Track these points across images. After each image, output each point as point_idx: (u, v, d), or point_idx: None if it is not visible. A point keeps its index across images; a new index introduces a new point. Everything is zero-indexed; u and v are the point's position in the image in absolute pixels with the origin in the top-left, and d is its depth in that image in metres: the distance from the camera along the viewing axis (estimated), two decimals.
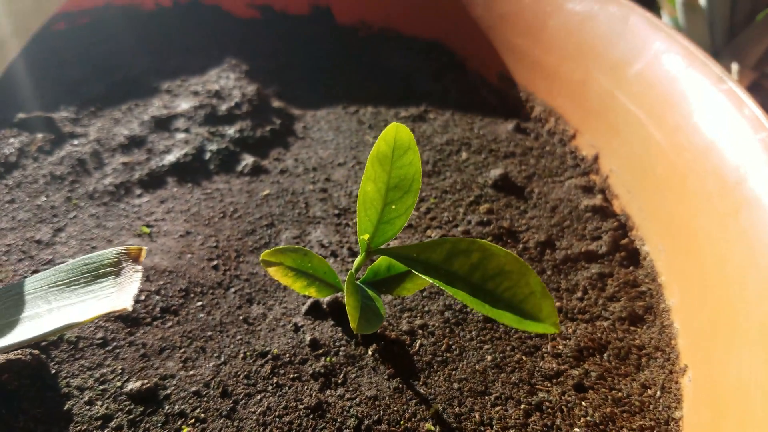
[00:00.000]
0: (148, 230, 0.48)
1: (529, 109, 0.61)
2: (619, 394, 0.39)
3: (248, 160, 0.55)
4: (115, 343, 0.41)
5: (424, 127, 0.60)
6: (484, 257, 0.31)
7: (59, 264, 0.46)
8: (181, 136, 0.56)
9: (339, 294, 0.42)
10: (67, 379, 0.39)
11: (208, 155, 0.55)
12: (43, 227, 0.48)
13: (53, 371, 0.40)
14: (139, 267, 0.33)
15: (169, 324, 0.42)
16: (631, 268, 0.47)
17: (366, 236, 0.34)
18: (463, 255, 0.32)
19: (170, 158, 0.54)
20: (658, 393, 0.38)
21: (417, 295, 0.44)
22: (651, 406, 0.38)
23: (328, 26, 0.72)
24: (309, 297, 0.44)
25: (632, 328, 0.43)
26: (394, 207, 0.35)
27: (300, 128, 0.60)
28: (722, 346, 0.35)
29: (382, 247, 0.35)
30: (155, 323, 0.42)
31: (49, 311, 0.33)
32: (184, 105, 0.59)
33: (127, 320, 0.42)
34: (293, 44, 0.71)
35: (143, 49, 0.67)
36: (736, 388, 0.32)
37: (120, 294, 0.31)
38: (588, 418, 0.37)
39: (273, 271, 0.38)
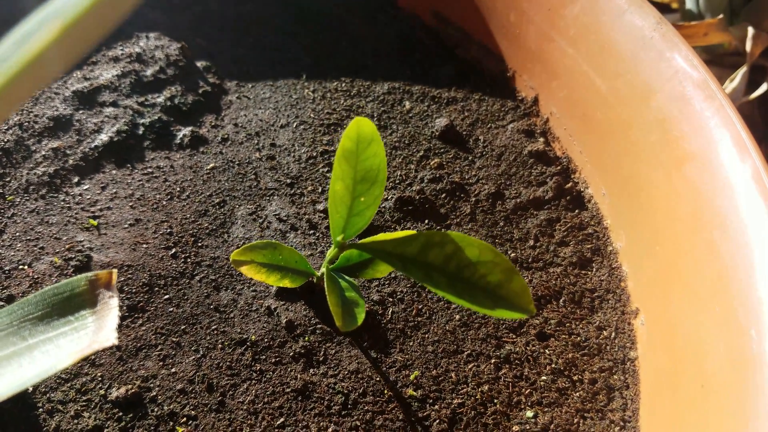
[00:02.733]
0: (95, 222, 0.46)
1: (466, 49, 0.61)
2: (578, 338, 0.43)
3: (185, 130, 0.52)
4: None
5: (364, 76, 0.59)
6: (457, 248, 0.33)
7: (8, 270, 0.43)
8: (109, 110, 0.52)
9: (309, 278, 0.43)
10: (47, 395, 0.39)
11: (141, 130, 0.52)
12: None
13: (30, 389, 0.39)
14: (114, 294, 0.32)
15: (140, 322, 0.42)
16: (576, 211, 0.50)
17: (340, 237, 0.35)
18: (437, 246, 0.33)
19: (103, 138, 0.51)
20: (613, 334, 0.42)
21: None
22: (608, 348, 0.42)
23: None
24: None
25: (582, 272, 0.46)
26: (362, 199, 0.35)
27: (233, 87, 0.57)
28: (671, 291, 0.39)
29: (357, 241, 0.35)
30: (125, 323, 0.42)
31: (28, 348, 0.32)
32: (105, 74, 0.54)
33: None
34: None
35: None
36: (689, 334, 0.36)
37: (101, 327, 0.31)
38: (553, 365, 0.41)
39: (245, 270, 0.38)
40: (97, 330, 0.31)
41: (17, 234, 0.46)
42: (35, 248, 0.45)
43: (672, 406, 0.36)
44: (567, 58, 0.51)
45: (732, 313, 0.33)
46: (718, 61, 0.73)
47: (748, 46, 0.65)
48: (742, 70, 0.65)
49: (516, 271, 0.32)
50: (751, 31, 0.66)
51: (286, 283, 0.39)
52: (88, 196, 0.48)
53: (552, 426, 0.39)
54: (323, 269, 0.39)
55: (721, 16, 0.66)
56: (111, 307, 0.32)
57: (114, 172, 0.50)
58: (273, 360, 0.41)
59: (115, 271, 0.33)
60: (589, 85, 0.49)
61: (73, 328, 0.32)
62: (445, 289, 0.32)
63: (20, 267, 0.44)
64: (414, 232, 0.34)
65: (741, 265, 0.33)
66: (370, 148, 0.34)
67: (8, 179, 0.48)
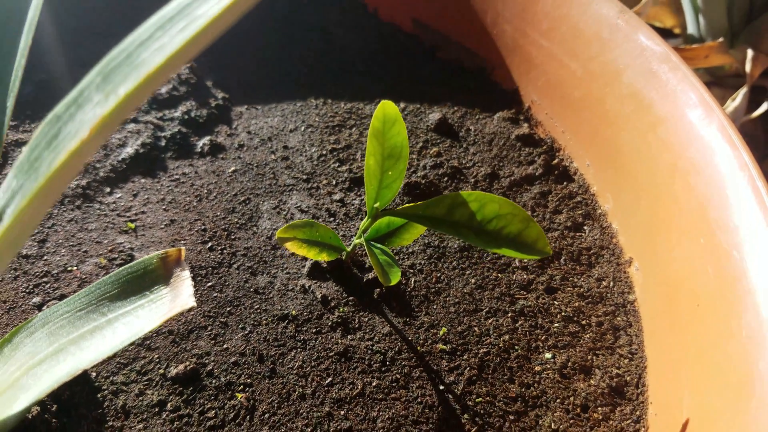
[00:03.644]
0: (133, 225, 0.50)
1: (446, 51, 0.67)
2: (581, 289, 0.48)
3: (204, 140, 0.57)
4: (142, 336, 0.44)
5: (358, 81, 0.65)
6: (481, 205, 0.38)
7: (55, 274, 0.47)
8: (130, 126, 0.57)
9: (340, 254, 0.48)
10: (110, 378, 0.42)
11: (163, 142, 0.56)
12: (25, 241, 0.49)
13: (93, 374, 0.43)
14: (185, 267, 0.36)
15: (188, 308, 0.46)
16: (565, 183, 0.56)
17: (376, 204, 0.40)
18: (462, 205, 0.38)
19: (128, 151, 0.55)
20: (612, 283, 0.48)
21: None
22: (609, 294, 0.48)
23: None
24: (307, 260, 0.49)
25: (578, 234, 0.52)
26: (390, 173, 0.40)
27: (241, 100, 0.62)
28: (659, 236, 0.45)
29: (389, 208, 0.40)
30: None
31: (108, 322, 0.35)
32: None
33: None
34: None
35: (51, 40, 0.65)
36: (681, 267, 0.42)
37: (177, 295, 0.35)
38: (563, 314, 0.47)
39: (289, 245, 0.42)
40: (174, 298, 0.35)
41: (60, 241, 0.49)
42: (79, 252, 0.48)
43: (672, 330, 0.41)
44: (542, 49, 0.58)
45: (715, 240, 0.39)
46: (720, 83, 0.78)
47: (748, 68, 0.68)
48: (743, 91, 0.69)
49: (532, 220, 0.37)
50: (750, 53, 0.69)
51: (324, 257, 0.44)
52: (122, 203, 0.52)
53: (569, 363, 0.44)
54: (356, 240, 0.44)
55: (721, 39, 0.72)
56: (184, 278, 0.36)
57: (143, 180, 0.54)
58: (314, 330, 0.45)
59: (183, 248, 0.37)
60: (564, 71, 0.56)
61: (149, 300, 0.35)
62: (473, 240, 0.38)
63: (68, 269, 0.47)
64: (441, 196, 0.39)
65: (717, 199, 0.40)
66: (394, 127, 0.39)
67: None
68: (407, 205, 0.39)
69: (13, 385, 0.35)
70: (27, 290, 0.46)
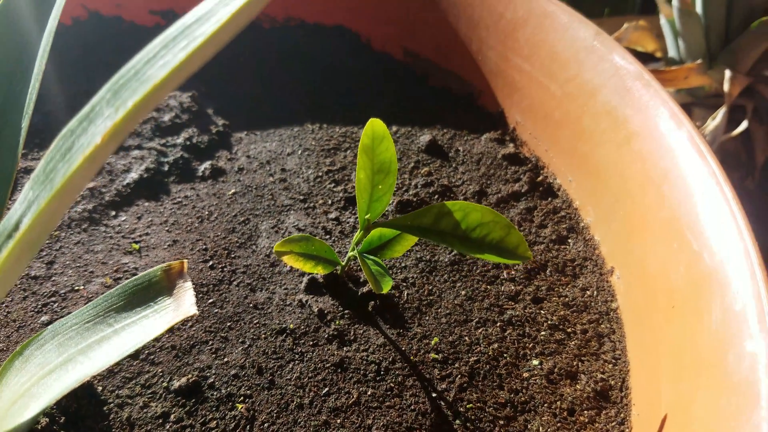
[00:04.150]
0: (137, 246, 0.53)
1: (436, 78, 0.70)
2: (567, 299, 0.50)
3: (205, 164, 0.60)
4: (146, 351, 0.46)
5: (351, 107, 0.68)
6: (465, 214, 0.40)
7: (63, 293, 0.49)
8: (135, 153, 0.59)
9: (335, 269, 0.50)
10: (115, 392, 0.44)
11: (166, 167, 0.59)
12: (34, 263, 0.51)
13: (99, 389, 0.44)
14: (187, 279, 0.38)
15: (189, 324, 0.48)
16: (549, 199, 0.58)
17: (367, 216, 0.42)
18: (448, 215, 0.41)
19: (133, 176, 0.57)
20: (595, 292, 0.50)
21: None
22: (592, 303, 0.50)
23: None
24: (304, 276, 0.51)
25: (562, 246, 0.54)
26: (380, 187, 0.43)
27: (241, 126, 0.65)
28: (637, 244, 0.47)
29: (380, 220, 0.43)
30: (176, 326, 0.48)
31: (115, 332, 0.37)
32: None
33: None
34: None
35: (62, 71, 0.68)
36: (657, 272, 0.44)
37: (180, 305, 0.37)
38: (549, 322, 0.49)
39: (286, 258, 0.45)
40: (177, 307, 0.37)
41: (67, 262, 0.51)
42: (85, 272, 0.51)
43: (652, 332, 0.43)
44: (524, 73, 0.61)
45: (687, 243, 0.41)
46: (701, 103, 0.80)
47: (726, 87, 0.71)
48: (722, 110, 0.72)
49: (513, 227, 0.40)
50: (728, 73, 0.72)
51: (320, 270, 0.46)
52: (127, 226, 0.54)
53: (556, 369, 0.46)
54: (350, 253, 0.46)
55: (699, 61, 0.75)
56: (186, 289, 0.38)
57: (147, 204, 0.56)
58: (311, 343, 0.47)
59: (185, 261, 0.39)
60: (545, 92, 0.59)
61: (154, 310, 0.38)
62: (459, 247, 0.40)
63: (75, 288, 0.49)
64: (427, 206, 0.41)
65: (687, 206, 0.42)
66: (382, 144, 0.42)
67: None
68: (394, 218, 0.41)
69: (24, 394, 0.37)
70: (36, 309, 0.48)
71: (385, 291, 0.41)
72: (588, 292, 0.50)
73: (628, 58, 0.52)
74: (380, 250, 0.46)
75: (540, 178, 0.59)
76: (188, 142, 0.61)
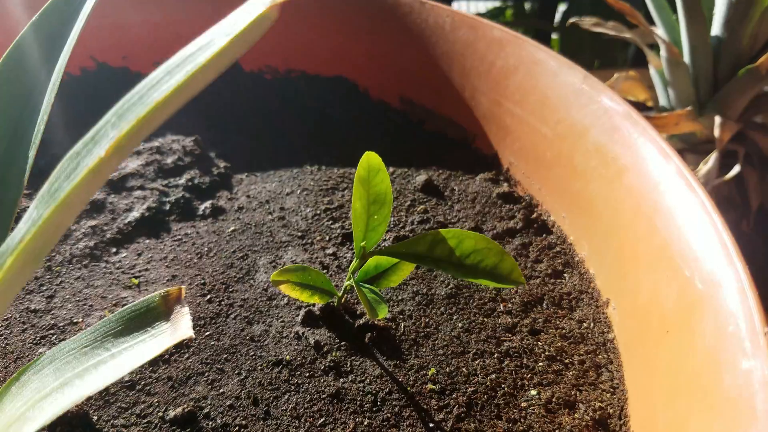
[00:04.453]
0: (137, 281, 0.53)
1: (431, 123, 0.72)
2: (564, 331, 0.51)
3: (206, 203, 0.61)
4: (143, 382, 0.46)
5: (350, 151, 0.70)
6: (459, 241, 0.41)
7: (62, 326, 0.49)
8: (137, 193, 0.61)
9: (331, 300, 0.50)
10: (111, 422, 0.44)
11: (167, 206, 0.60)
12: (34, 297, 0.51)
13: (95, 418, 0.44)
14: (184, 304, 0.39)
15: (186, 356, 0.48)
16: (544, 235, 0.59)
17: (363, 243, 0.43)
18: (442, 242, 0.42)
19: (134, 214, 0.58)
20: (592, 324, 0.50)
21: (389, 289, 0.53)
22: (589, 335, 0.50)
23: (236, 73, 0.79)
24: (301, 309, 0.51)
25: (558, 280, 0.55)
26: (376, 217, 0.44)
27: (242, 168, 0.67)
28: (631, 275, 0.48)
29: (376, 249, 0.44)
30: (173, 358, 0.48)
31: (112, 356, 0.38)
32: (131, 165, 0.63)
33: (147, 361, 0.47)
34: (209, 94, 0.77)
35: (69, 118, 0.70)
36: (650, 300, 0.44)
37: (177, 329, 0.37)
38: (546, 353, 0.49)
39: (283, 288, 0.45)
40: (174, 331, 0.37)
41: (66, 297, 0.52)
42: (85, 306, 0.51)
43: (648, 359, 0.43)
44: (515, 117, 0.63)
45: (679, 271, 0.42)
46: (694, 149, 0.82)
47: (717, 133, 0.73)
48: (714, 155, 0.73)
49: (506, 253, 0.41)
50: (718, 119, 0.74)
51: (316, 299, 0.47)
52: (127, 262, 0.55)
53: (554, 399, 0.46)
54: (346, 282, 0.47)
55: (689, 108, 0.78)
56: (183, 314, 0.38)
57: (147, 241, 0.57)
58: (307, 374, 0.47)
59: (183, 287, 0.39)
60: (537, 135, 0.61)
61: (151, 335, 0.38)
62: (454, 273, 0.41)
63: (74, 321, 0.50)
64: (422, 234, 0.42)
65: (678, 235, 0.43)
66: (378, 176, 0.43)
67: (53, 254, 0.55)
68: (391, 246, 0.42)
69: (19, 418, 0.37)
70: (34, 341, 0.48)
71: (380, 317, 0.41)
72: (585, 324, 0.51)
73: (616, 99, 0.54)
74: (376, 280, 0.46)
75: (534, 215, 0.60)
76: (190, 183, 0.63)
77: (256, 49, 0.77)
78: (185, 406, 0.44)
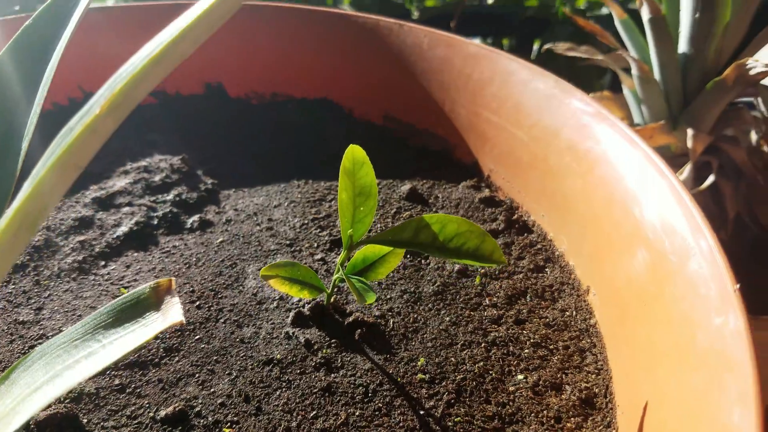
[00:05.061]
0: (125, 291, 0.54)
1: (413, 137, 0.75)
2: (547, 320, 0.52)
3: (194, 217, 0.62)
4: (133, 385, 0.46)
5: (337, 165, 0.71)
6: (443, 226, 0.43)
7: (50, 336, 0.49)
8: (125, 209, 0.62)
9: (320, 298, 0.51)
10: (101, 424, 0.43)
11: (156, 221, 0.61)
12: (22, 310, 0.52)
13: (84, 421, 0.44)
14: (175, 295, 0.39)
15: (176, 359, 0.48)
16: (525, 234, 0.61)
17: (350, 231, 0.44)
18: (426, 228, 0.43)
19: (123, 229, 0.59)
20: (574, 312, 0.52)
21: (377, 288, 0.54)
22: (572, 322, 0.51)
23: (222, 100, 0.82)
24: (290, 311, 0.52)
25: (540, 274, 0.56)
26: (362, 209, 0.45)
27: (230, 184, 0.68)
28: (608, 260, 0.49)
29: (363, 238, 0.45)
30: (163, 362, 0.48)
31: (103, 347, 0.38)
32: (119, 183, 0.64)
33: (136, 365, 0.47)
34: (196, 120, 0.79)
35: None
36: (628, 279, 0.46)
37: (167, 317, 0.38)
38: (531, 341, 0.50)
39: (272, 282, 0.46)
40: (164, 319, 0.38)
41: (56, 308, 0.52)
42: (74, 316, 0.51)
43: (628, 336, 0.45)
44: (492, 124, 0.66)
45: (652, 248, 0.43)
46: (669, 162, 0.81)
47: (690, 144, 0.76)
48: (688, 166, 0.76)
49: (487, 235, 0.42)
50: (690, 132, 0.77)
51: (305, 294, 0.47)
52: (116, 274, 0.56)
53: (541, 382, 0.46)
54: (335, 275, 0.48)
55: (662, 121, 0.81)
56: (174, 303, 0.39)
57: (136, 254, 0.58)
58: (298, 371, 0.48)
59: (173, 278, 0.40)
60: (513, 140, 0.63)
61: (142, 324, 0.38)
62: (439, 255, 0.42)
63: (63, 331, 0.50)
64: (406, 221, 0.44)
65: (650, 214, 0.45)
66: (362, 168, 0.45)
67: (41, 269, 0.56)
68: (377, 234, 0.44)
69: (9, 414, 0.37)
70: (23, 351, 0.48)
71: (369, 302, 0.42)
72: (567, 313, 0.52)
73: (585, 99, 0.57)
74: (364, 273, 0.48)
75: (515, 216, 0.62)
76: (177, 198, 0.64)
77: (240, 76, 0.80)
78: (176, 405, 0.44)
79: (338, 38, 0.78)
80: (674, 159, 0.84)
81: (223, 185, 0.68)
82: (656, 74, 0.82)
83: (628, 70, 0.86)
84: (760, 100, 0.80)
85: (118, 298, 0.40)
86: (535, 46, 1.57)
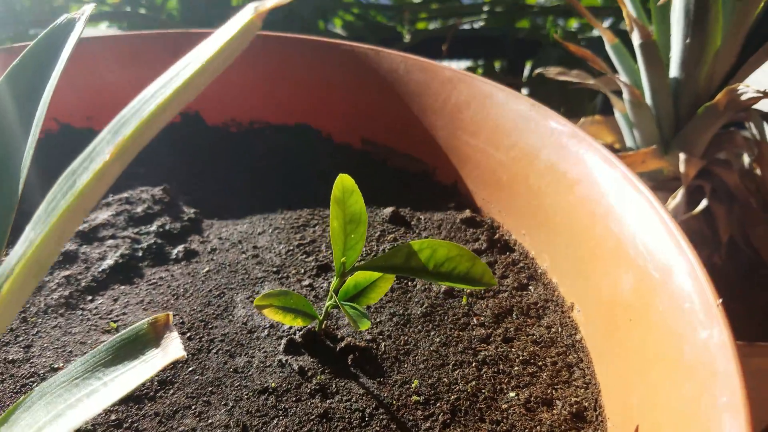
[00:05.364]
0: (115, 325, 0.53)
1: (392, 160, 0.76)
2: (534, 337, 0.53)
3: (178, 248, 0.62)
4: (130, 420, 0.46)
5: (318, 190, 0.72)
6: (433, 251, 0.44)
7: (42, 374, 0.49)
8: (109, 242, 0.61)
9: (311, 325, 0.52)
10: None
11: (140, 252, 0.61)
12: (11, 348, 0.51)
13: None
14: (173, 329, 0.40)
15: (171, 392, 0.48)
16: (507, 253, 0.62)
17: (342, 259, 0.45)
18: (417, 253, 0.44)
19: (108, 262, 0.59)
20: (560, 328, 0.53)
21: (368, 311, 0.55)
22: (558, 338, 0.53)
23: (200, 128, 0.82)
24: (282, 339, 0.52)
25: (524, 292, 0.58)
26: (353, 236, 0.46)
27: (212, 213, 0.68)
28: (591, 277, 0.51)
29: (357, 265, 0.46)
30: (158, 395, 0.48)
31: (104, 385, 0.38)
32: (101, 216, 0.64)
33: (132, 399, 0.47)
34: (174, 150, 0.79)
35: (33, 180, 0.71)
36: (611, 295, 0.47)
37: (167, 352, 0.38)
38: (520, 359, 0.51)
39: (266, 312, 0.47)
40: (165, 354, 0.38)
41: (45, 345, 0.52)
42: (64, 353, 0.51)
43: (614, 350, 0.46)
44: (471, 146, 0.67)
45: (634, 264, 0.45)
46: (662, 186, 0.84)
47: (682, 169, 0.76)
48: (681, 191, 0.76)
49: (477, 258, 0.43)
50: (682, 156, 0.77)
51: (298, 322, 0.48)
52: (104, 308, 0.55)
53: (532, 398, 0.48)
54: (328, 302, 0.48)
55: (654, 146, 0.81)
56: (173, 338, 0.39)
57: (122, 287, 0.58)
58: (294, 398, 0.48)
59: (171, 313, 0.40)
60: (492, 161, 0.65)
61: (143, 360, 0.38)
62: (430, 279, 0.43)
63: (54, 368, 0.49)
64: (397, 246, 0.45)
65: (630, 232, 0.47)
66: (352, 196, 0.46)
67: (28, 306, 0.55)
68: (368, 261, 0.44)
69: None
70: (14, 390, 0.48)
71: (363, 328, 0.43)
72: (553, 329, 0.53)
73: (561, 121, 0.59)
74: (356, 298, 0.48)
75: (497, 236, 0.64)
76: (161, 229, 0.64)
77: (218, 105, 0.80)
78: None
79: (316, 65, 0.79)
80: (666, 183, 0.84)
81: (205, 214, 0.68)
82: (648, 99, 0.82)
83: (619, 93, 0.86)
84: (751, 124, 0.81)
85: (116, 336, 0.40)
86: (527, 68, 1.58)
